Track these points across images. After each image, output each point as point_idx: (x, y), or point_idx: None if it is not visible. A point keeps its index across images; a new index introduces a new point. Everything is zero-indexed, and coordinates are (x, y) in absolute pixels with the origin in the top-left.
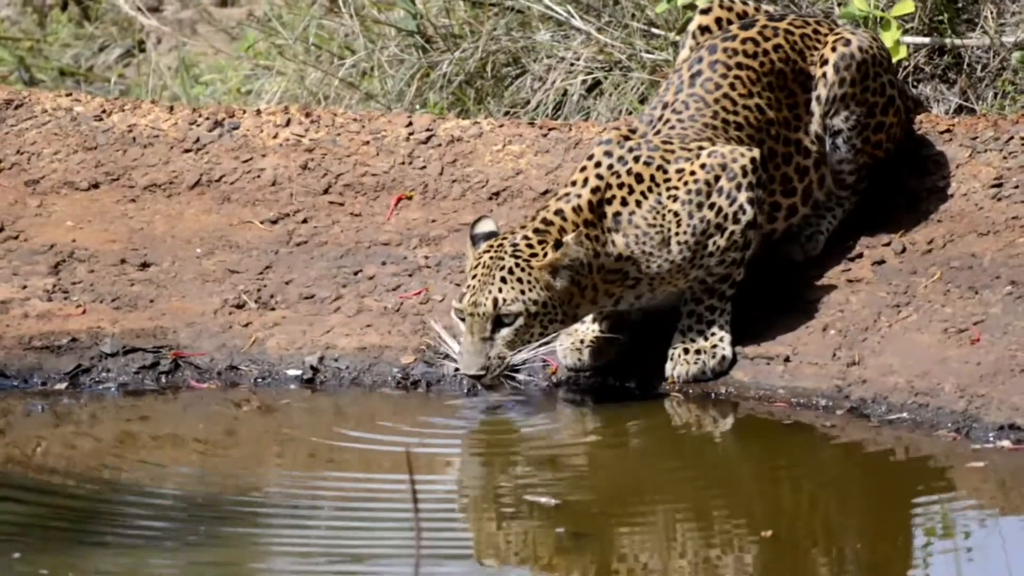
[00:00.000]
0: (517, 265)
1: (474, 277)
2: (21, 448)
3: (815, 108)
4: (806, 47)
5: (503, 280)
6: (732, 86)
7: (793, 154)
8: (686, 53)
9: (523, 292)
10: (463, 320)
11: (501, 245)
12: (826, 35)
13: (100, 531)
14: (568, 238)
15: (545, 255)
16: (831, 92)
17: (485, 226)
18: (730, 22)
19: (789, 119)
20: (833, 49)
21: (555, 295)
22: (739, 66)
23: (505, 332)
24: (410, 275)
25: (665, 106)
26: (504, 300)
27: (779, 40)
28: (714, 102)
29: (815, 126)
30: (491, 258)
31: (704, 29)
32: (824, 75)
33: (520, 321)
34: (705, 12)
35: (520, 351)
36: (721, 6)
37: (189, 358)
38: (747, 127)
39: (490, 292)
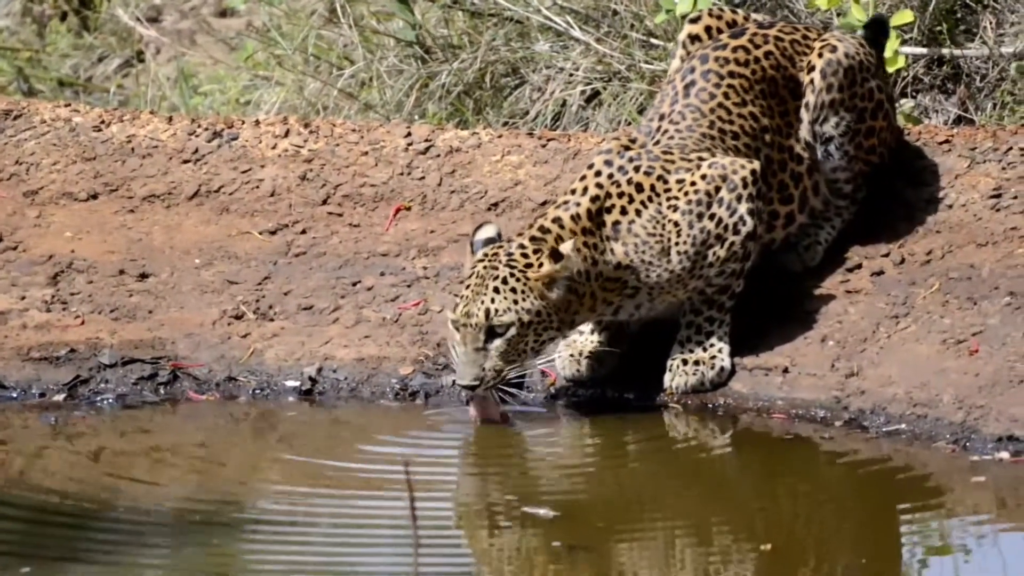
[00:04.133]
0: (512, 275)
1: (467, 287)
2: (19, 460)
3: (804, 115)
4: (796, 53)
5: (496, 290)
6: (726, 95)
7: (788, 161)
8: (677, 63)
9: (516, 302)
10: (457, 330)
11: (496, 254)
12: (814, 41)
13: (96, 545)
14: (567, 249)
15: (540, 264)
16: (819, 99)
17: (486, 232)
18: (720, 31)
19: (782, 126)
20: (820, 55)
21: (550, 304)
22: (731, 75)
23: (498, 343)
24: (408, 286)
25: (662, 117)
26: (496, 311)
27: (769, 47)
28: (709, 112)
29: (804, 133)
30: (484, 267)
31: (694, 38)
32: (812, 82)
33: (513, 331)
34: (694, 21)
35: (515, 367)
36: (710, 15)
37: (188, 369)
38: (743, 135)
39: (482, 303)
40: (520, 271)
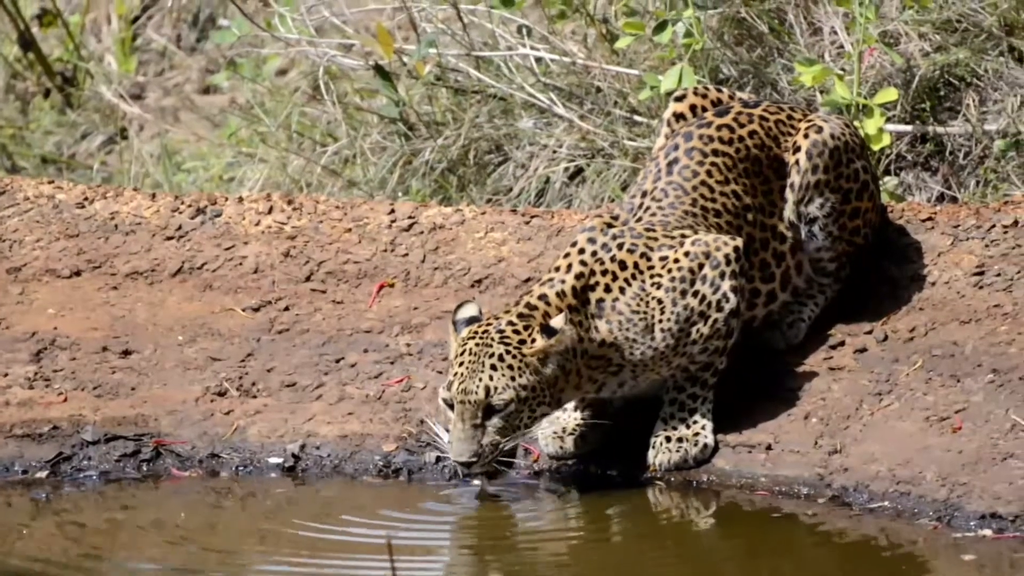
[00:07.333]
0: (508, 352)
1: (461, 364)
2: (1, 536)
3: (789, 195)
4: (780, 133)
5: (493, 367)
6: (709, 173)
7: (770, 239)
8: (662, 141)
9: (513, 379)
10: (451, 407)
11: (487, 331)
12: (799, 121)
13: None
14: (560, 324)
15: (533, 340)
16: (804, 179)
17: (468, 311)
18: (704, 109)
19: (765, 205)
20: (805, 136)
21: (544, 379)
22: (715, 153)
23: (496, 420)
24: (392, 363)
25: (644, 194)
26: (496, 388)
27: (754, 126)
28: (692, 189)
29: (789, 213)
30: (477, 345)
31: (679, 116)
32: (797, 162)
33: (512, 407)
34: (680, 99)
35: (512, 437)
36: (695, 93)
37: (170, 446)
38: (725, 213)
39: (480, 380)
40: (515, 347)
